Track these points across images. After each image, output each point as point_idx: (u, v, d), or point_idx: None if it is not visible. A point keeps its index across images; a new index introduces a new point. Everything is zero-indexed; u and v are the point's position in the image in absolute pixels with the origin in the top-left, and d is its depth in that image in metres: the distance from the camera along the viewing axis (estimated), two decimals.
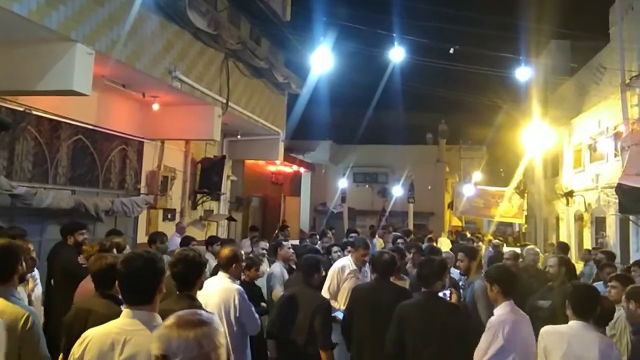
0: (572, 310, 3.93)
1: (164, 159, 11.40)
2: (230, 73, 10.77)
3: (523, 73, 12.25)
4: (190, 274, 3.65)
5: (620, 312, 4.60)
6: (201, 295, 4.46)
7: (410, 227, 20.07)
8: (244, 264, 5.40)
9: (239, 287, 4.78)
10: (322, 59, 10.11)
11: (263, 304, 6.35)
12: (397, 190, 25.58)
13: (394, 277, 5.44)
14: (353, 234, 13.03)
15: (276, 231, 16.50)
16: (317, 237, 14.17)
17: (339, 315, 5.60)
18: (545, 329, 3.96)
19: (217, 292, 4.71)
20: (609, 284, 5.18)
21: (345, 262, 6.57)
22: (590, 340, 3.82)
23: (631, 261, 10.29)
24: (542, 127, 17.32)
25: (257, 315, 4.88)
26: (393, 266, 5.25)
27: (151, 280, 2.73)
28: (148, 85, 9.08)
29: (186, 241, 7.72)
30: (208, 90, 9.91)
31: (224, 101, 10.52)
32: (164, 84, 8.73)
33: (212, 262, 6.57)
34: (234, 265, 4.83)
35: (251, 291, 6.15)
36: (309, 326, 4.73)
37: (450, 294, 4.97)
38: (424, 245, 8.98)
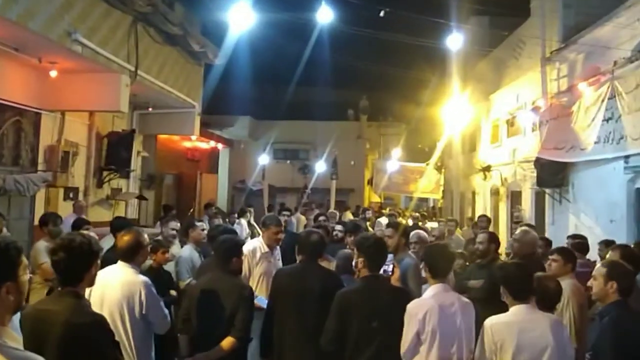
0: (509, 295, 3.61)
1: (65, 132, 10.42)
2: (139, 39, 9.96)
3: (454, 40, 11.94)
4: (76, 266, 2.98)
5: (564, 283, 4.36)
6: (97, 290, 3.91)
7: (332, 203, 19.88)
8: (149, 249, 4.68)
9: (145, 279, 4.13)
10: (240, 19, 9.45)
11: (173, 292, 5.73)
12: (320, 167, 25.33)
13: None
14: (286, 212, 12.62)
15: (191, 210, 15.84)
16: (236, 215, 13.69)
17: (261, 302, 4.99)
18: (490, 322, 3.58)
19: (118, 286, 4.04)
20: (550, 257, 4.99)
21: (255, 244, 5.86)
22: (539, 323, 3.52)
23: (546, 234, 10.48)
24: (461, 103, 17.46)
25: (166, 312, 4.26)
26: (322, 247, 4.78)
27: None
28: (45, 49, 8.19)
29: (77, 223, 6.84)
30: (114, 57, 9.08)
31: (132, 69, 9.71)
32: (63, 47, 7.90)
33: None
34: (139, 253, 4.19)
35: (158, 278, 5.54)
36: (229, 318, 4.14)
37: (393, 268, 4.60)
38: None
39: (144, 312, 4.02)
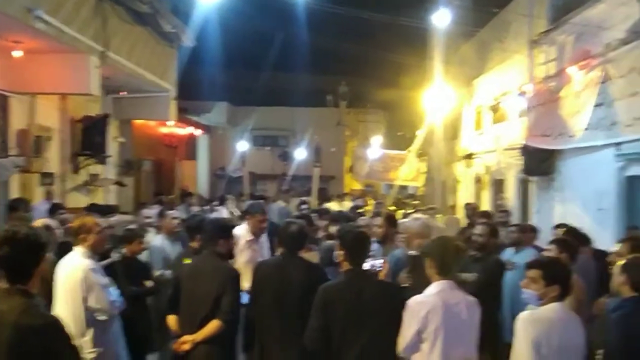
0: (559, 292, 3.42)
1: (37, 116, 10.02)
2: (107, 17, 9.57)
3: (441, 17, 11.59)
4: (24, 261, 2.67)
5: None
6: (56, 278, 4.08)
7: (315, 191, 19.64)
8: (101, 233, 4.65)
9: (87, 262, 4.17)
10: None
11: (148, 283, 5.54)
12: (301, 154, 25.06)
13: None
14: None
15: (171, 197, 15.49)
16: (217, 203, 13.43)
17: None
18: (530, 317, 3.40)
19: (63, 273, 4.08)
20: (546, 247, 4.79)
21: (239, 232, 5.74)
22: (573, 323, 3.38)
23: (530, 222, 10.31)
24: (443, 89, 17.20)
25: (112, 297, 4.25)
26: (303, 239, 4.55)
27: None
28: (6, 27, 7.70)
29: (54, 209, 6.69)
30: (80, 36, 8.66)
31: (101, 49, 9.33)
32: (25, 25, 7.43)
33: None
34: (81, 236, 4.21)
35: (131, 268, 5.49)
36: (216, 300, 4.15)
37: (383, 263, 4.34)
38: None
39: (84, 295, 4.05)
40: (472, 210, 10.76)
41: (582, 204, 9.67)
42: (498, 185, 14.72)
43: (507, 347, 4.85)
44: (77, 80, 9.21)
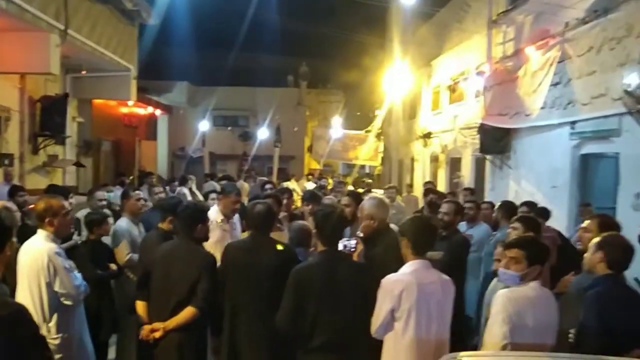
0: (539, 270, 3.45)
1: None
2: None
3: None
4: None
5: None
6: (19, 262, 3.92)
7: (275, 171, 19.72)
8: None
9: (51, 246, 3.98)
10: None
11: (113, 266, 5.41)
12: (263, 133, 24.98)
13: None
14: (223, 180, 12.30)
15: (130, 177, 15.34)
16: (176, 183, 13.34)
17: None
18: (508, 294, 3.36)
19: (27, 257, 3.92)
20: (511, 225, 4.82)
21: (210, 212, 5.51)
22: (548, 301, 3.42)
23: (485, 199, 10.60)
24: (402, 69, 17.45)
25: (78, 281, 4.07)
26: (271, 219, 4.42)
27: None
28: None
29: (13, 191, 6.58)
30: (41, 14, 8.47)
31: (62, 28, 9.13)
32: None
33: None
34: (47, 220, 4.00)
35: (97, 251, 5.36)
36: (191, 287, 4.01)
37: (356, 244, 4.34)
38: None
39: (49, 280, 3.91)
40: (430, 189, 10.98)
41: (536, 181, 10.00)
42: (454, 164, 15.04)
43: (469, 320, 5.11)
44: (37, 59, 8.95)
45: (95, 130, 15.26)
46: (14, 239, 3.51)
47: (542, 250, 3.58)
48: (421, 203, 11.41)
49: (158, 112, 21.01)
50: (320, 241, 3.91)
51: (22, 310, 2.37)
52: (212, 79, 26.87)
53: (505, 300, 3.33)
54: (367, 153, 23.48)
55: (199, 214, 4.35)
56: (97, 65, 11.93)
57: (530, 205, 6.98)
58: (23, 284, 3.95)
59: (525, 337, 3.26)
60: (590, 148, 8.50)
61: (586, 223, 4.62)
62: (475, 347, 3.99)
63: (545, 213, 6.79)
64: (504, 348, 3.24)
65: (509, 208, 6.56)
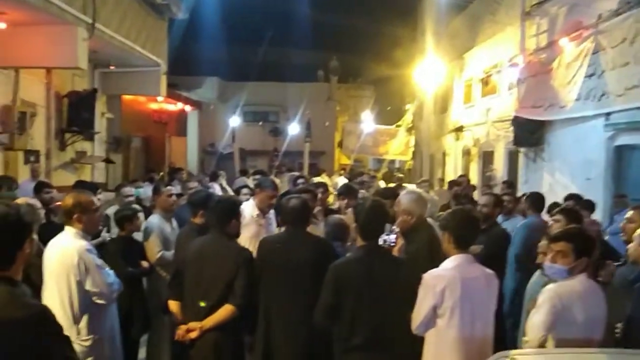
0: (587, 263, 3.30)
1: (20, 91, 9.64)
2: None
3: None
4: (4, 244, 2.29)
5: None
6: (45, 261, 3.79)
7: (306, 166, 19.61)
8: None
9: (82, 243, 3.82)
10: None
11: (145, 263, 5.30)
12: (293, 129, 24.90)
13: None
14: (257, 175, 12.18)
15: (161, 174, 15.38)
16: (208, 179, 13.30)
17: None
18: (557, 289, 3.23)
19: (55, 256, 3.76)
20: (553, 217, 4.69)
21: (245, 207, 5.42)
22: (597, 294, 3.27)
23: (519, 193, 10.35)
24: (434, 63, 17.14)
25: (110, 279, 3.91)
26: (307, 213, 4.30)
27: None
28: None
29: (39, 187, 6.33)
30: (67, 6, 8.37)
31: (90, 21, 9.04)
32: None
33: None
34: (75, 216, 3.84)
35: (128, 248, 5.24)
36: (227, 284, 3.86)
37: (396, 238, 4.18)
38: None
39: (80, 279, 3.74)
40: (466, 182, 10.77)
41: (570, 173, 9.75)
42: (487, 158, 14.75)
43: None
44: (64, 54, 8.81)
45: (125, 126, 15.32)
46: (35, 236, 3.35)
47: (589, 242, 3.42)
48: None
49: (188, 108, 21.00)
50: (360, 236, 3.77)
51: (43, 311, 2.32)
52: (242, 74, 26.87)
53: (554, 294, 3.21)
54: (398, 148, 23.27)
55: (233, 207, 4.21)
56: (126, 60, 11.86)
57: (576, 198, 6.84)
58: (50, 283, 3.79)
59: (573, 332, 3.16)
60: (625, 139, 8.31)
61: (630, 214, 4.46)
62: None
63: (590, 206, 6.63)
64: (544, 339, 3.13)
65: (535, 199, 6.43)
